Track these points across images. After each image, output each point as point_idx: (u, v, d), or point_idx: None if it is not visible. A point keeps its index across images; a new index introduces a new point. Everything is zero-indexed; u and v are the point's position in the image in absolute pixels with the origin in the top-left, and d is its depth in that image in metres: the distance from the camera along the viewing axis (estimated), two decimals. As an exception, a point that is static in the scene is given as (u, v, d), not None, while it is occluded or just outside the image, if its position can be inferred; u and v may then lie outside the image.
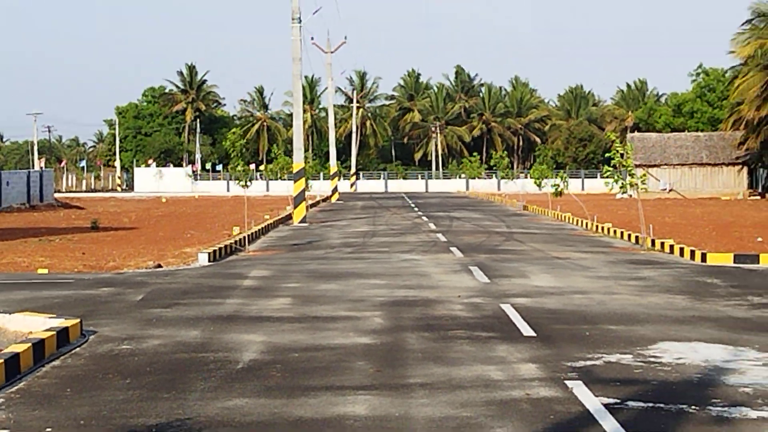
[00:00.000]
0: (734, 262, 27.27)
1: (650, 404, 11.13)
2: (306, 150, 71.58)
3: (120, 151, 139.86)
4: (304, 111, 68.76)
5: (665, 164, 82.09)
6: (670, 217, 47.42)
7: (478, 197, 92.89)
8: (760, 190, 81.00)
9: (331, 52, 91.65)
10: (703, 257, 28.02)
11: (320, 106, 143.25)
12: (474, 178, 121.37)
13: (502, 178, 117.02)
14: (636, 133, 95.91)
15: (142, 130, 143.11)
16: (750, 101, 70.67)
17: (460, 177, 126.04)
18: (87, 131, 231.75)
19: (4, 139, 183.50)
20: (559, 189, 58.74)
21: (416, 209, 64.44)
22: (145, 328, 16.53)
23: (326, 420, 10.49)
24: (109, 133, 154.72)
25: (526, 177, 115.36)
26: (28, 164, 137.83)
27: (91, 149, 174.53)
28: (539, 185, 63.30)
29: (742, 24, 72.29)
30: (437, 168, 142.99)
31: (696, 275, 24.46)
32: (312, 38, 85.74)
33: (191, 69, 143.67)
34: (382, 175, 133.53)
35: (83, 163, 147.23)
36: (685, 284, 22.63)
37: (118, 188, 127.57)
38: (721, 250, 28.88)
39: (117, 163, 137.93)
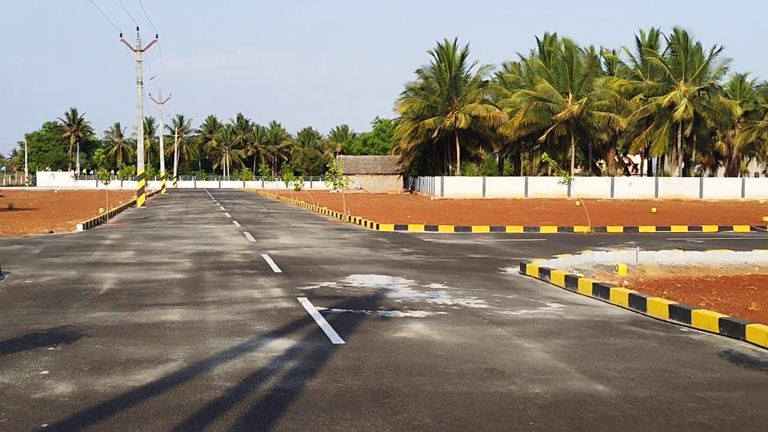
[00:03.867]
0: (394, 229, 27.99)
1: (345, 309, 11.35)
2: (146, 162, 70.14)
3: (28, 161, 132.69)
4: (145, 138, 66.37)
5: (358, 173, 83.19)
6: (360, 204, 48.20)
7: (251, 192, 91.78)
8: (409, 188, 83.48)
9: (161, 103, 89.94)
10: (377, 226, 28.64)
11: (155, 135, 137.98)
12: (248, 180, 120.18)
13: (265, 180, 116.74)
14: (342, 155, 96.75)
15: (42, 148, 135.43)
16: (404, 139, 72.53)
17: (240, 180, 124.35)
18: (6, 148, 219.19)
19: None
20: (298, 187, 58.88)
21: (213, 199, 63.21)
22: (41, 270, 15.66)
23: (154, 323, 10.25)
24: (20, 150, 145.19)
25: (279, 180, 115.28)
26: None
27: (9, 159, 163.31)
28: (287, 185, 63.32)
29: (401, 93, 74.07)
30: (227, 174, 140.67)
31: (373, 237, 24.99)
32: (150, 94, 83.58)
33: (74, 111, 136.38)
34: (193, 178, 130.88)
35: (3, 168, 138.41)
36: (367, 242, 23.07)
37: (26, 184, 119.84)
38: (386, 222, 29.59)
39: (25, 169, 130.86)
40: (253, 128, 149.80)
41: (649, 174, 78.25)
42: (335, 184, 38.97)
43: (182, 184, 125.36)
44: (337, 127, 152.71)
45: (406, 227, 28.07)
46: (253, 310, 11.23)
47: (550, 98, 65.70)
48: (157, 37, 48.38)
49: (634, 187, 62.66)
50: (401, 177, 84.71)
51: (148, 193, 63.70)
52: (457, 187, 62.56)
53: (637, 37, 68.75)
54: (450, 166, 70.47)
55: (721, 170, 76.57)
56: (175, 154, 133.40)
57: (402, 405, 6.74)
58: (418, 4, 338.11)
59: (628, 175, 79.58)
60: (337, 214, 36.90)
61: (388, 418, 6.40)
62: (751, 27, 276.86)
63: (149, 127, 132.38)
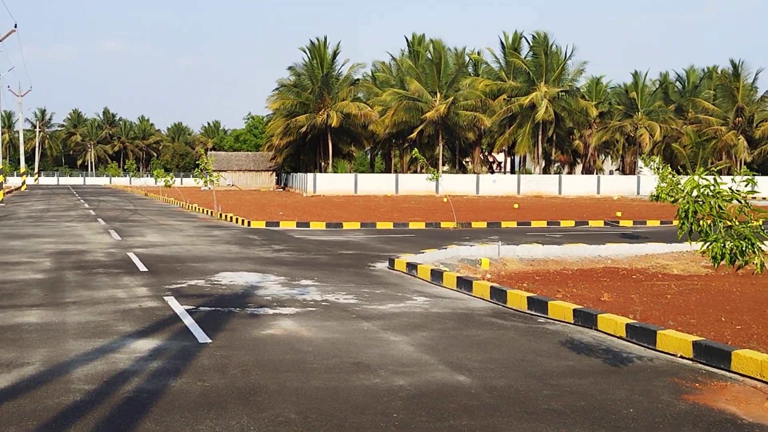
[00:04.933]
0: (266, 226, 27.75)
1: (213, 308, 11.15)
2: (4, 157, 66.42)
3: None
4: (4, 132, 63.59)
5: (230, 170, 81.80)
6: (231, 201, 47.46)
7: (118, 189, 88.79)
8: (282, 185, 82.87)
9: (21, 96, 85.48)
10: (249, 223, 28.30)
11: (15, 129, 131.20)
12: (116, 176, 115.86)
13: (133, 176, 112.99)
14: (213, 151, 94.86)
15: None
16: (277, 135, 71.91)
17: (107, 176, 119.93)
18: None
19: None
20: (168, 183, 57.41)
21: (77, 196, 60.75)
22: None
23: (10, 326, 9.74)
24: None
25: (148, 176, 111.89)
26: None
27: None
28: (156, 181, 61.65)
29: (274, 89, 73.34)
30: (92, 170, 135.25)
31: (244, 234, 24.67)
32: (8, 87, 79.71)
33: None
34: (56, 174, 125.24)
35: None
36: (238, 239, 22.76)
37: None
38: (258, 219, 29.29)
39: None
40: (121, 123, 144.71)
41: (513, 172, 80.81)
42: (206, 181, 38.23)
43: (44, 180, 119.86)
44: (209, 123, 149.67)
45: (277, 224, 27.87)
46: (116, 311, 10.85)
47: (420, 97, 66.77)
48: (16, 26, 46.10)
49: (498, 184, 64.51)
50: (274, 174, 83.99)
51: (6, 190, 60.53)
52: (330, 184, 62.64)
53: (501, 40, 70.84)
54: (323, 163, 70.48)
55: (579, 168, 79.92)
56: (37, 149, 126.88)
57: (268, 402, 6.68)
58: (291, 1, 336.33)
59: (493, 172, 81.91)
60: (208, 211, 36.19)
61: (254, 415, 6.33)
62: (605, 31, 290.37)
63: (8, 121, 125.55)
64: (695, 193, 7.07)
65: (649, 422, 6.28)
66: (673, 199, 7.45)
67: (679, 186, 7.20)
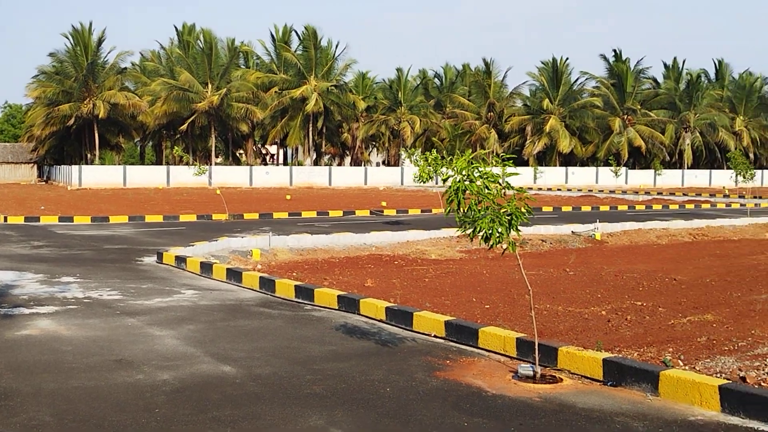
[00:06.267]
0: (25, 221, 25.86)
1: (-39, 310, 10.25)
2: None
3: None
4: None
5: (-16, 162, 75.34)
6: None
7: None
8: (45, 178, 77.55)
9: None
10: (6, 219, 26.22)
11: None
12: None
13: None
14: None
15: None
16: (38, 126, 67.05)
17: None
18: None
19: None
20: None
21: None
22: None
23: None
24: None
25: None
26: None
27: None
28: None
29: (33, 77, 68.18)
30: None
31: (0, 230, 22.86)
32: None
33: None
34: None
35: None
36: (-7, 235, 21.07)
37: None
38: (16, 214, 27.22)
39: None
40: None
41: (285, 163, 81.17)
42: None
43: None
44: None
45: (38, 219, 26.05)
46: None
47: (191, 88, 65.06)
48: None
49: (271, 176, 64.49)
50: (35, 166, 78.33)
51: None
52: (97, 176, 59.43)
53: (271, 33, 70.75)
54: (89, 155, 66.76)
55: (348, 160, 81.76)
56: None
57: (21, 406, 6.26)
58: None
59: (266, 164, 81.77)
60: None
61: (5, 420, 5.91)
62: (371, 28, 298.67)
63: None
64: (465, 172, 7.42)
65: (404, 400, 6.58)
66: (444, 177, 7.73)
67: (451, 165, 7.54)
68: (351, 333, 9.15)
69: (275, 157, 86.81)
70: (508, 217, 7.28)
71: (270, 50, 70.83)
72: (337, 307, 10.61)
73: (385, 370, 7.50)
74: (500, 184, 7.36)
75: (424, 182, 25.22)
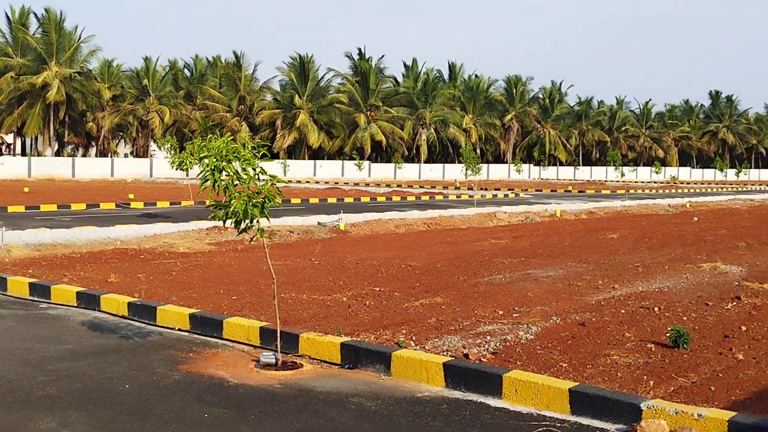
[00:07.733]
0: None
1: None
2: None
3: None
4: None
5: None
6: None
7: None
8: None
9: None
10: None
11: None
12: None
13: None
14: None
15: None
16: None
17: None
18: None
19: None
20: None
21: None
22: None
23: None
24: None
25: None
26: None
27: None
28: None
29: None
30: None
31: None
32: None
33: None
34: None
35: None
36: None
37: None
38: None
39: None
40: None
41: (24, 154, 74.97)
42: None
43: None
44: None
45: None
46: None
47: None
48: None
49: (7, 167, 59.26)
50: None
51: None
52: None
53: (7, 14, 65.01)
54: None
55: (94, 151, 77.25)
56: None
57: None
58: None
59: (1, 154, 75.06)
60: None
61: None
62: (118, 14, 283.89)
63: None
64: (224, 152, 7.28)
65: (144, 395, 6.37)
66: (202, 155, 7.48)
67: (210, 144, 7.36)
68: (90, 330, 8.69)
69: (12, 147, 79.94)
70: (262, 200, 7.28)
71: (5, 32, 65.07)
72: (75, 305, 10.01)
73: (125, 366, 7.21)
74: (254, 170, 7.35)
75: (187, 170, 24.81)
